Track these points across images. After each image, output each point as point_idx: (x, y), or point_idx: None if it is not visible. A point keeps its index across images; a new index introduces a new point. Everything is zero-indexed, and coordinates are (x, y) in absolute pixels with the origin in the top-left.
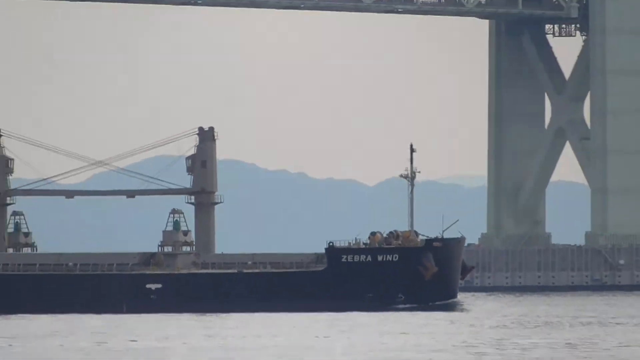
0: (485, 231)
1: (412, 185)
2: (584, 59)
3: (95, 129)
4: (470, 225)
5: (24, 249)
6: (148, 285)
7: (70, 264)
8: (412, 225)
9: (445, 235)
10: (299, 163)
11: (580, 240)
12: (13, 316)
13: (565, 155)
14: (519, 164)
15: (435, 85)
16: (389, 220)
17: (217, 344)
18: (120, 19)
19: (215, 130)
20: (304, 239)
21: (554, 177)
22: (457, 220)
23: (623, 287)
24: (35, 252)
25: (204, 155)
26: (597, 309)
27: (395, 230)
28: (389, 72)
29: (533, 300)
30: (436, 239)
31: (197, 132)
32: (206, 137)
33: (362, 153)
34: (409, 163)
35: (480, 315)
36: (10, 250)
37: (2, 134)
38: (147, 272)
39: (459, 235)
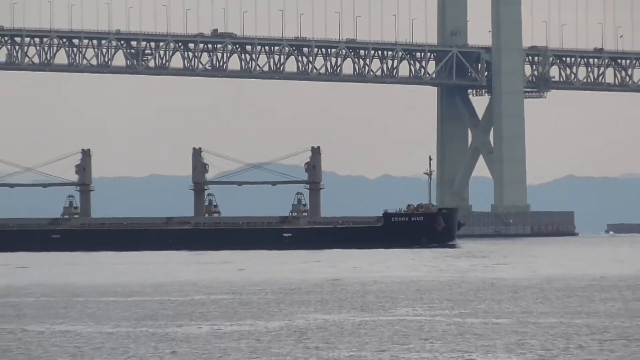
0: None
1: (430, 179)
2: (489, 108)
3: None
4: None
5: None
6: (284, 234)
7: (241, 222)
8: (430, 200)
9: (448, 207)
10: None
11: (488, 209)
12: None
13: (480, 161)
14: (454, 166)
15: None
16: (417, 198)
17: (352, 265)
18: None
19: (322, 148)
20: (370, 209)
21: (473, 174)
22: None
23: (512, 235)
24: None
25: (314, 161)
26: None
27: (420, 203)
28: None
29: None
30: (444, 209)
31: (310, 149)
32: (315, 152)
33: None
34: (429, 166)
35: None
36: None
37: None
38: (284, 226)
39: (455, 206)
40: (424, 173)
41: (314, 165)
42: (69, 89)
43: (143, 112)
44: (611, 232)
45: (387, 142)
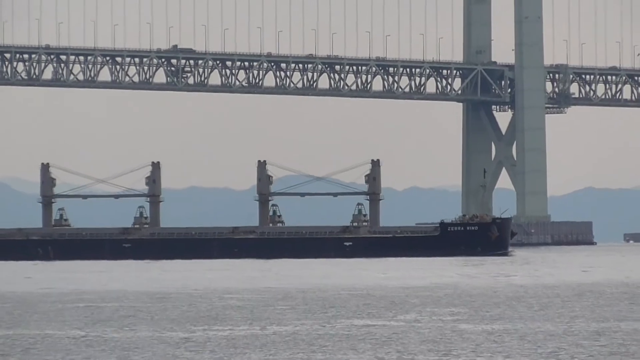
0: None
1: (484, 191)
2: (512, 123)
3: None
4: (457, 210)
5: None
6: (345, 243)
7: (304, 231)
8: (490, 210)
9: (502, 216)
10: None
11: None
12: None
13: (503, 173)
14: (479, 179)
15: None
16: (445, 209)
17: (418, 274)
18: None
19: (382, 161)
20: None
21: (497, 186)
22: (507, 209)
23: (533, 244)
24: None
25: (374, 173)
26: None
27: (475, 213)
28: None
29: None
30: (498, 218)
31: (370, 162)
32: (375, 164)
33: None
34: (483, 178)
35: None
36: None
37: None
38: (345, 235)
39: (508, 216)
40: (480, 186)
41: (374, 177)
42: (139, 106)
43: (208, 127)
44: (631, 241)
45: (414, 155)
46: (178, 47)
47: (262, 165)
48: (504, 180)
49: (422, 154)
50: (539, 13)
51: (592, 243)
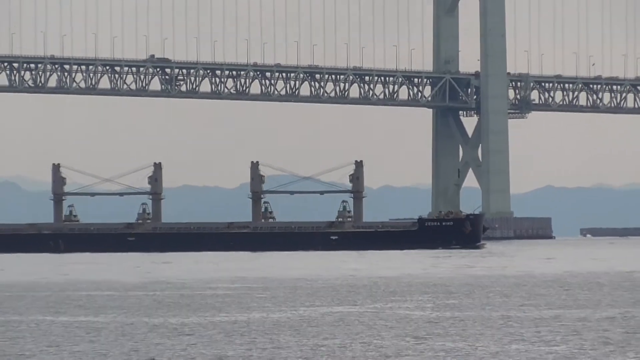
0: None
1: (459, 189)
2: (478, 127)
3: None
4: (427, 207)
5: None
6: (331, 237)
7: (293, 226)
8: (458, 207)
9: (475, 213)
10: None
11: None
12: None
13: (469, 173)
14: (447, 178)
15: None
16: (416, 206)
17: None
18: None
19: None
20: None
21: (464, 185)
22: (479, 206)
23: (497, 238)
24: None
25: (357, 173)
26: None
27: (450, 210)
28: None
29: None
30: (471, 215)
31: (354, 162)
32: (359, 165)
33: None
34: (457, 177)
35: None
36: None
37: None
38: (331, 230)
39: (481, 213)
40: (455, 184)
41: (357, 177)
42: (136, 112)
43: (205, 130)
44: (588, 235)
45: (388, 156)
46: (155, 57)
47: (254, 166)
48: (471, 180)
49: (395, 156)
50: (502, 26)
51: (551, 237)
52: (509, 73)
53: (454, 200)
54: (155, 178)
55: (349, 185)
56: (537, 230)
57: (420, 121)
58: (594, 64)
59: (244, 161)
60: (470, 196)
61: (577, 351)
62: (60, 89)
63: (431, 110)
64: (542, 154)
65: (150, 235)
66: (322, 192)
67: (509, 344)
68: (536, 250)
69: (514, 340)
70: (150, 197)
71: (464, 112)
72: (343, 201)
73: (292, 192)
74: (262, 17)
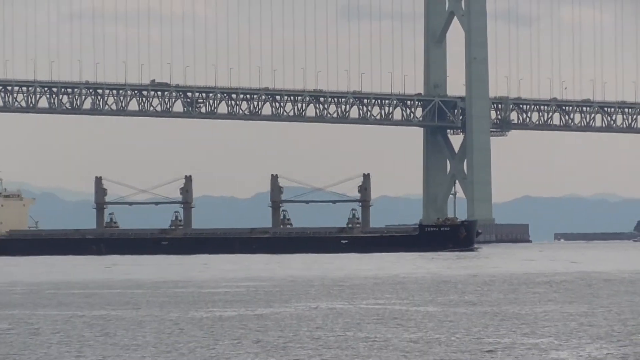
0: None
1: (455, 199)
2: (463, 144)
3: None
4: (418, 215)
5: None
6: (342, 241)
7: (308, 232)
8: (454, 214)
9: (469, 219)
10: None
11: None
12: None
13: (456, 185)
14: (436, 189)
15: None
16: (410, 213)
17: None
18: None
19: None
20: (388, 220)
21: (451, 195)
22: (473, 215)
23: (481, 242)
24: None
25: (365, 184)
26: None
27: (447, 217)
28: None
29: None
30: (465, 221)
31: (362, 175)
32: (366, 177)
33: None
34: (454, 188)
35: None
36: None
37: None
38: (341, 235)
39: (474, 219)
40: (451, 194)
41: (365, 188)
42: (161, 132)
43: (216, 148)
44: (562, 240)
45: (384, 169)
46: (156, 81)
47: (274, 178)
48: (457, 191)
49: (390, 169)
50: (485, 55)
51: (528, 241)
52: (490, 96)
53: (442, 209)
54: (187, 189)
55: (357, 195)
56: (516, 235)
57: (413, 139)
58: (566, 88)
59: (259, 174)
60: (457, 205)
61: None
62: (94, 111)
63: (422, 129)
64: (520, 168)
65: (182, 240)
66: (334, 202)
67: None
68: (530, 252)
69: None
70: (182, 205)
71: (451, 131)
72: (352, 209)
73: (307, 202)
74: (273, 47)
